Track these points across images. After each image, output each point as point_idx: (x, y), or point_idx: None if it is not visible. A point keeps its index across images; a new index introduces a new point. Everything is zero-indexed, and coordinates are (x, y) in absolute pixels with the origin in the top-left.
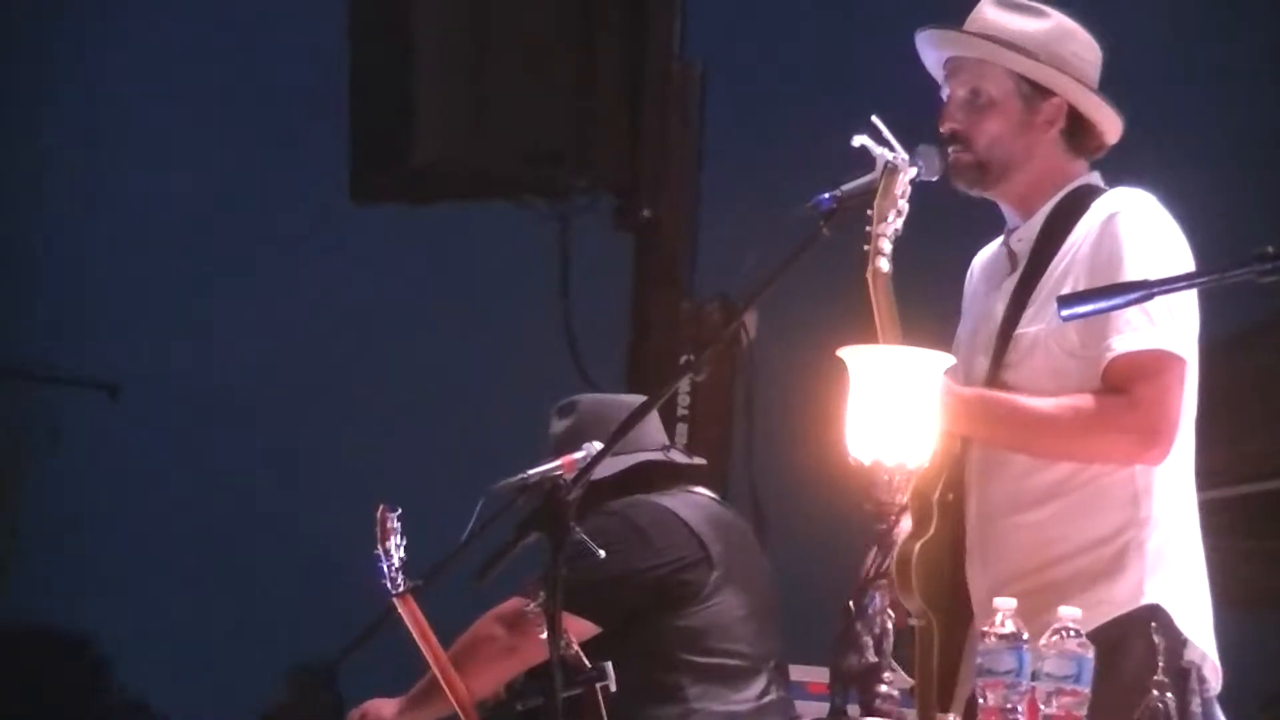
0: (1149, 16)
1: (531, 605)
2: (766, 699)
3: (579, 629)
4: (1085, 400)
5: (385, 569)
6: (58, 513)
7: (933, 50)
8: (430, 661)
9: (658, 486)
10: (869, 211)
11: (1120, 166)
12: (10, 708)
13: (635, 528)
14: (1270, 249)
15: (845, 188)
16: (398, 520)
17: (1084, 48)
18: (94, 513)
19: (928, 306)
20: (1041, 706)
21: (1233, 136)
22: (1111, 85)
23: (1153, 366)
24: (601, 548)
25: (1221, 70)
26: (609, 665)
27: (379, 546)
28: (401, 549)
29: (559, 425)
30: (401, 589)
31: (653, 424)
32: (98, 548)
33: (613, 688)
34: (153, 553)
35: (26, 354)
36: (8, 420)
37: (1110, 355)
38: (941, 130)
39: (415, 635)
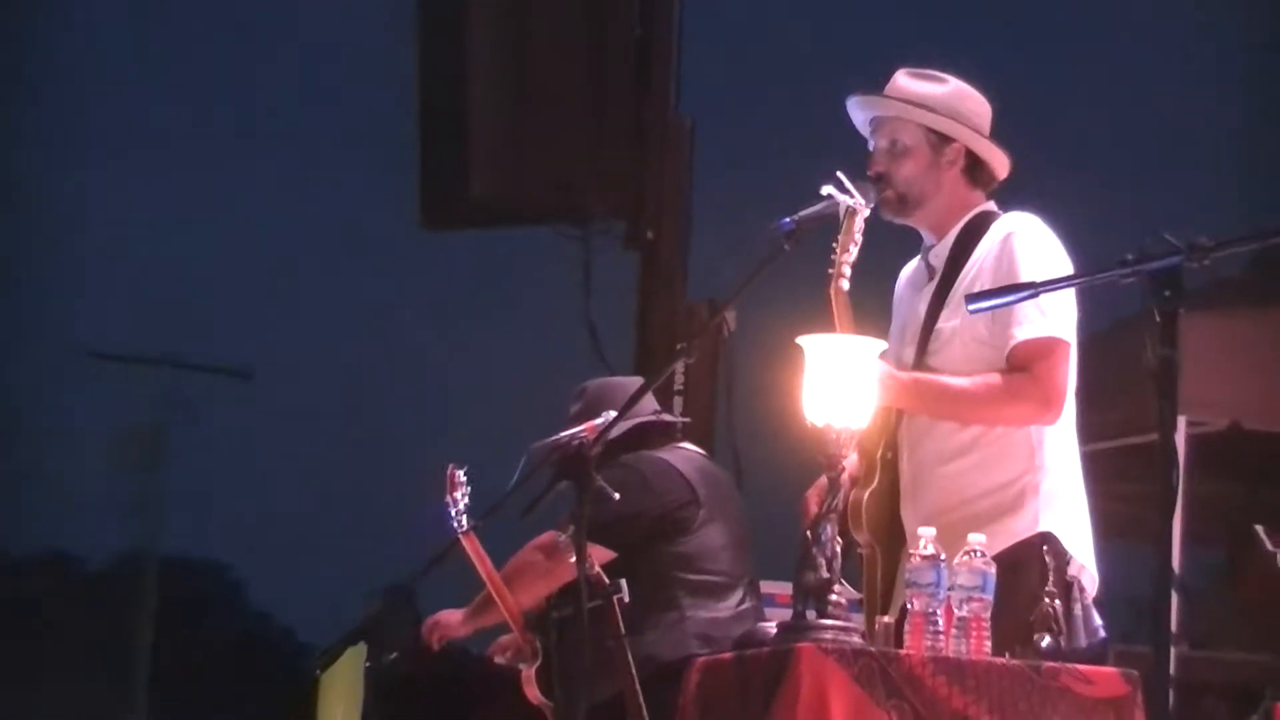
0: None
1: (563, 537)
2: (742, 607)
3: (600, 555)
4: (994, 378)
5: (453, 513)
6: (200, 472)
7: (860, 111)
8: (486, 581)
9: (656, 444)
10: (833, 244)
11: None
12: (172, 623)
13: (641, 476)
14: (1129, 256)
15: (802, 214)
16: (463, 475)
17: (977, 104)
18: (228, 471)
19: (866, 308)
20: (956, 610)
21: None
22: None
23: (1045, 349)
24: (615, 492)
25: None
26: (624, 582)
27: (448, 496)
28: (465, 498)
29: (576, 402)
30: (465, 528)
31: (648, 397)
32: (232, 498)
33: (626, 599)
34: (276, 501)
35: (169, 344)
36: (155, 400)
37: (1013, 342)
38: (869, 173)
39: (474, 562)
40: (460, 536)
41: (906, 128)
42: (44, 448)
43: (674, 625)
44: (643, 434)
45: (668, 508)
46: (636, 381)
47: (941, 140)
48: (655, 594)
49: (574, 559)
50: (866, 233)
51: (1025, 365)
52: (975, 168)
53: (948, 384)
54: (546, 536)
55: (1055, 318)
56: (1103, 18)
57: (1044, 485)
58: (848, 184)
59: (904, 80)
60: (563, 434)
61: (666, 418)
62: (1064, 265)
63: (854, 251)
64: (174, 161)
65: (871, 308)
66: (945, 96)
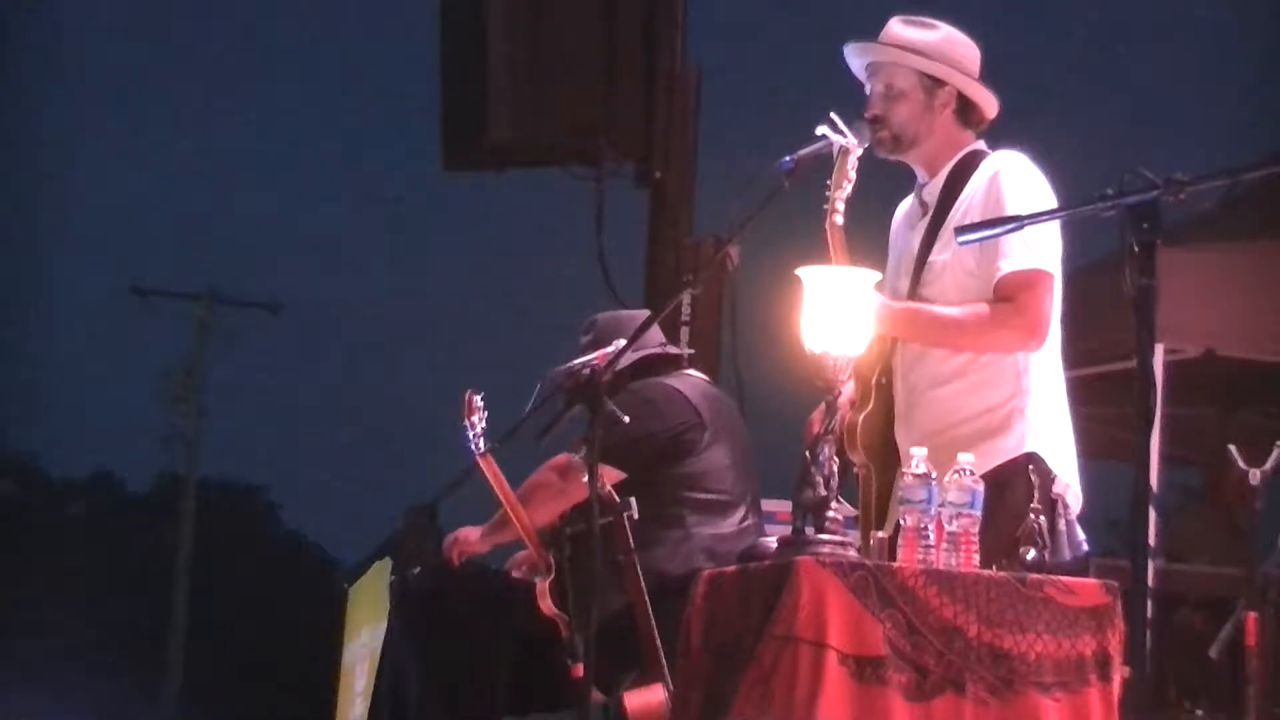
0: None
1: (576, 458)
2: (745, 524)
3: (611, 475)
4: (982, 308)
5: (470, 436)
6: (235, 399)
7: (857, 58)
8: (502, 500)
9: (663, 372)
10: (828, 181)
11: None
12: (209, 542)
13: (649, 401)
14: (1109, 190)
15: (800, 154)
16: (480, 401)
17: (967, 49)
18: (261, 398)
19: (862, 242)
20: (946, 525)
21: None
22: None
23: (1030, 280)
24: (625, 417)
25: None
26: (633, 500)
27: (466, 420)
28: (482, 421)
29: (586, 335)
30: (482, 450)
31: (655, 329)
32: (266, 423)
33: (635, 517)
34: (306, 426)
35: (205, 281)
36: (195, 332)
37: (999, 274)
38: (866, 116)
39: (491, 482)
40: (478, 458)
41: (900, 72)
42: (90, 378)
43: (680, 541)
44: (651, 362)
45: (674, 431)
46: (645, 314)
47: (934, 84)
48: (663, 512)
49: (586, 479)
50: (862, 170)
51: (1011, 296)
52: (966, 109)
53: (939, 313)
54: (560, 458)
55: (1039, 250)
56: None
57: (1030, 408)
58: (841, 125)
59: (898, 27)
60: (575, 362)
61: (672, 350)
62: (1049, 200)
63: (847, 188)
64: (210, 113)
65: (867, 241)
66: (937, 43)
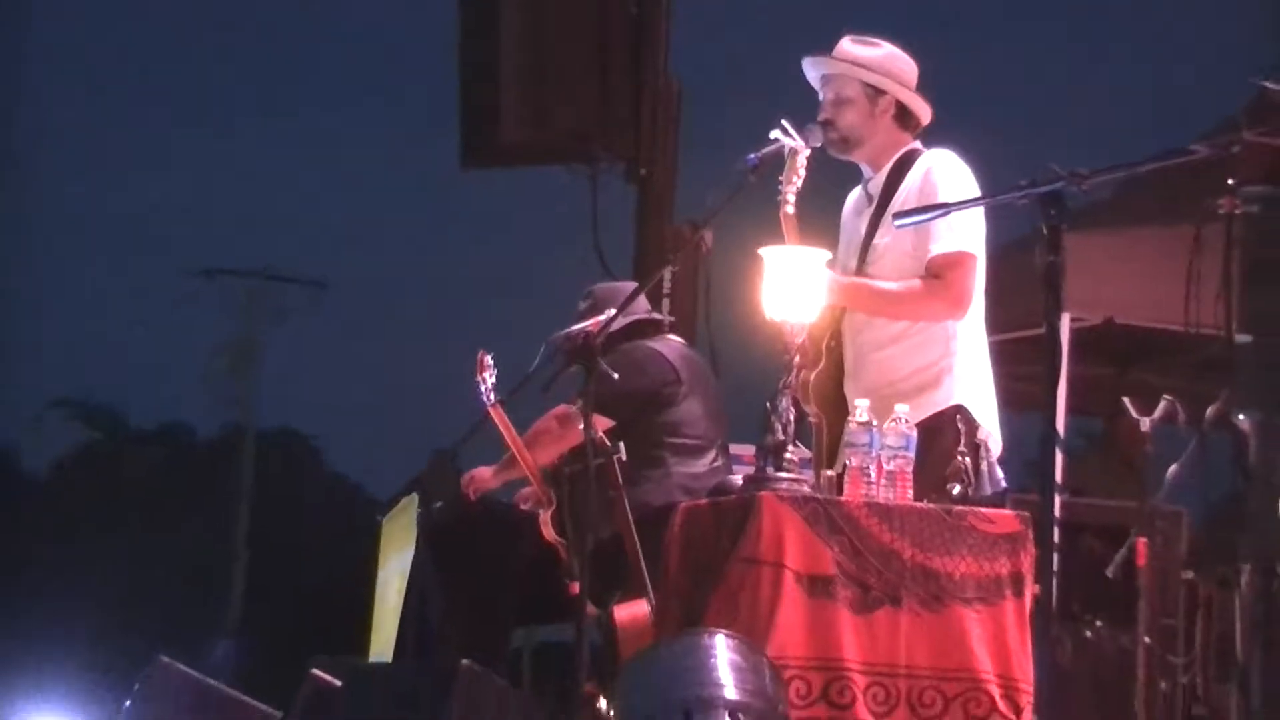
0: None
1: (573, 409)
2: (716, 464)
3: (602, 423)
4: (916, 283)
5: (483, 390)
6: (286, 362)
7: (812, 70)
8: (510, 444)
9: (648, 335)
10: (780, 177)
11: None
12: (265, 484)
13: (635, 361)
14: (1023, 182)
15: (761, 153)
16: (490, 360)
17: (905, 64)
18: (308, 361)
19: (817, 227)
20: (885, 465)
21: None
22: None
23: (956, 260)
24: (615, 374)
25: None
26: (621, 444)
27: (479, 376)
28: (493, 377)
29: (584, 302)
30: (493, 401)
31: (641, 299)
32: (312, 382)
33: (623, 458)
34: (346, 384)
35: (259, 261)
36: (248, 307)
37: (930, 254)
38: (819, 119)
39: (501, 429)
40: (490, 408)
41: (848, 83)
42: (162, 345)
43: (661, 479)
44: (638, 328)
45: (656, 386)
46: (632, 286)
47: (876, 93)
48: (646, 454)
49: (582, 426)
50: (817, 167)
51: (940, 273)
52: (904, 115)
53: (880, 288)
54: (560, 408)
55: (964, 234)
56: None
57: (958, 367)
58: (791, 130)
59: (847, 45)
60: (573, 328)
61: (656, 316)
62: (974, 190)
63: (797, 183)
64: (259, 109)
65: (821, 226)
66: (879, 59)
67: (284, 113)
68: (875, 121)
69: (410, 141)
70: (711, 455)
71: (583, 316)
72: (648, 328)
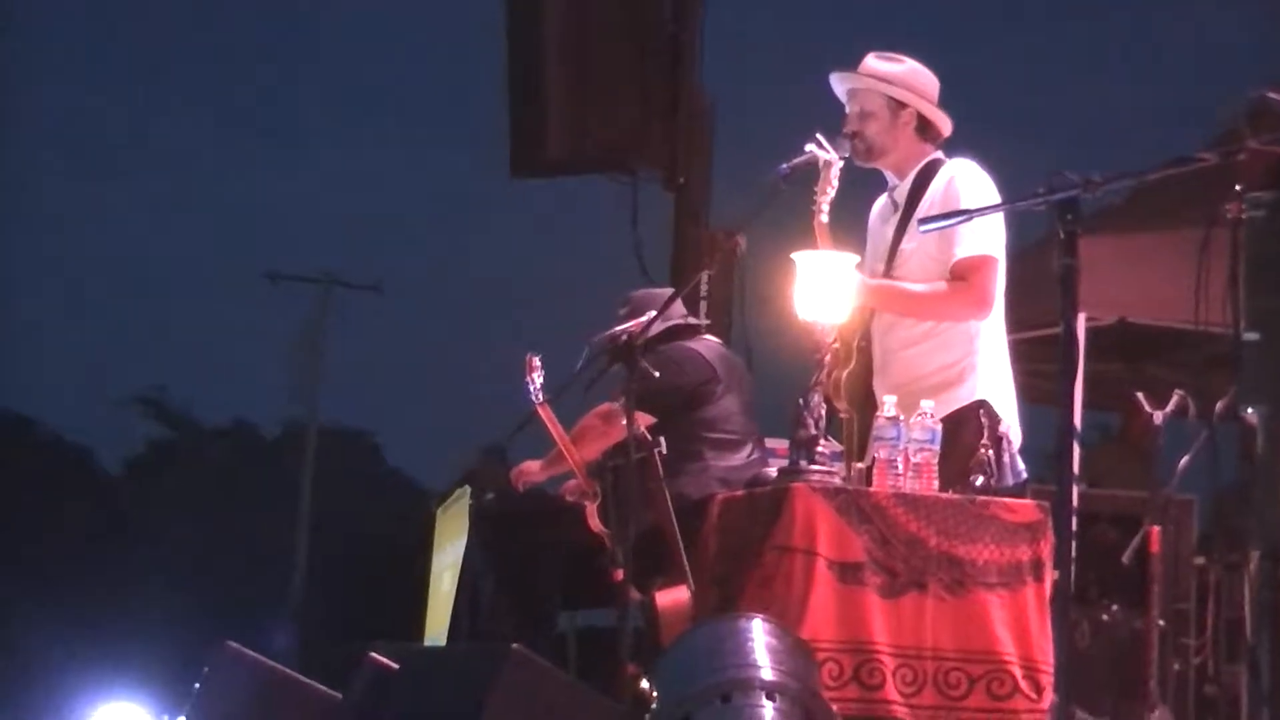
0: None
1: (616, 406)
2: (752, 458)
3: (644, 420)
4: (941, 286)
5: (531, 389)
6: (347, 362)
7: (838, 85)
8: (557, 440)
9: (686, 337)
10: (814, 187)
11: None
12: (327, 478)
13: (675, 361)
14: (1040, 189)
15: (793, 163)
16: (538, 361)
17: (927, 79)
18: (367, 361)
19: (846, 232)
20: (911, 458)
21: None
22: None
23: (979, 264)
24: (656, 372)
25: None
26: (662, 439)
27: (527, 377)
28: (540, 377)
29: (624, 308)
30: (540, 400)
31: (678, 304)
32: (371, 381)
33: (664, 452)
34: (403, 382)
35: (320, 265)
36: (310, 310)
37: (955, 259)
38: (844, 131)
39: (548, 426)
40: (537, 407)
41: (872, 97)
42: (231, 345)
43: (700, 472)
44: (676, 331)
45: (695, 384)
46: (669, 291)
47: (898, 106)
48: (686, 449)
49: (624, 422)
50: (846, 178)
51: (964, 276)
52: (924, 127)
53: (907, 290)
54: (604, 406)
55: (987, 239)
56: None
57: (980, 365)
58: (824, 142)
59: (871, 61)
60: (615, 330)
61: (692, 320)
62: (994, 197)
63: (831, 193)
64: (322, 132)
65: (850, 233)
66: (902, 74)
67: (346, 129)
68: (897, 133)
69: (463, 154)
70: (748, 449)
71: (623, 320)
72: (686, 330)
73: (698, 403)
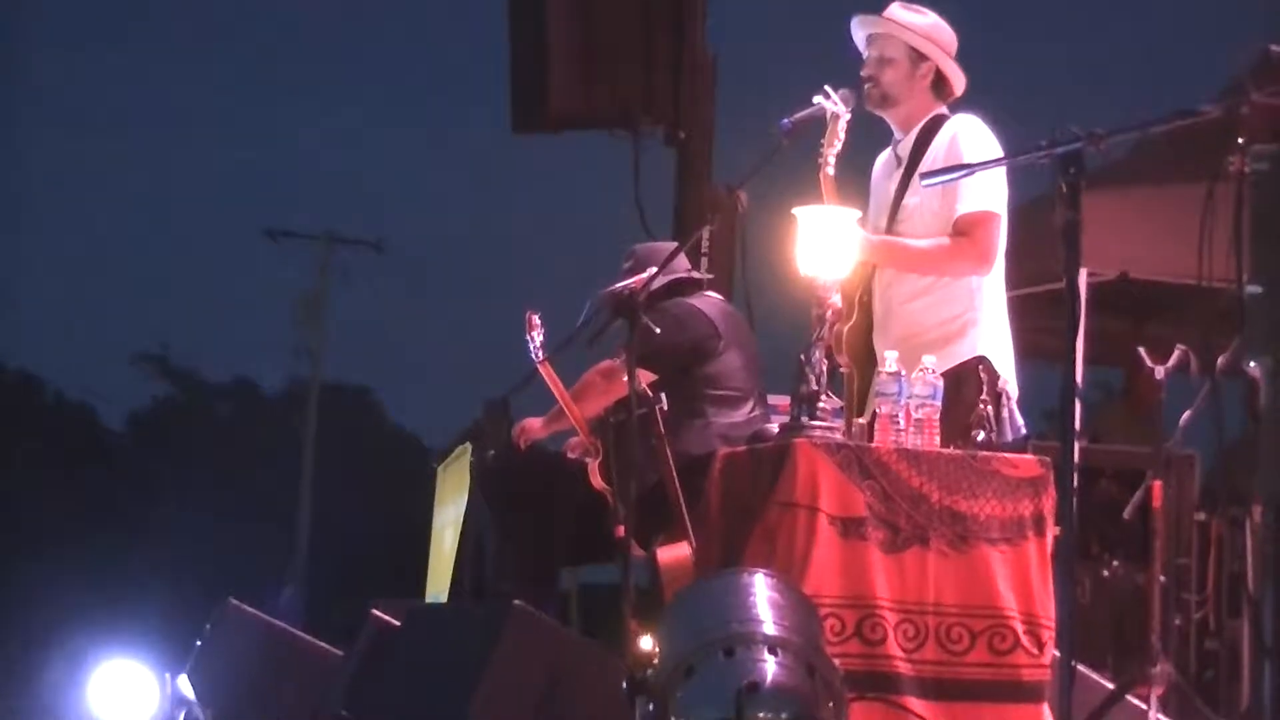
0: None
1: (618, 362)
2: (753, 414)
3: (646, 376)
4: (944, 241)
5: (532, 347)
6: (349, 319)
7: (860, 30)
8: (558, 397)
9: (688, 293)
10: (821, 140)
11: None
12: (329, 434)
13: (677, 317)
14: (1043, 142)
15: (796, 117)
16: (538, 319)
17: (949, 35)
18: (369, 318)
19: (851, 187)
20: (913, 413)
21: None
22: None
23: (981, 219)
24: (658, 329)
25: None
26: (664, 395)
27: (528, 334)
28: (541, 335)
29: (627, 262)
30: (541, 358)
31: (681, 258)
32: (373, 339)
33: (665, 409)
34: (404, 339)
35: (324, 224)
36: (315, 267)
37: (957, 214)
38: (862, 74)
39: (549, 383)
40: (538, 364)
41: (894, 44)
42: (235, 302)
43: (702, 428)
44: (678, 285)
45: (697, 340)
46: (672, 245)
47: (919, 57)
48: (688, 405)
49: (626, 379)
50: (851, 132)
51: (965, 231)
52: (940, 83)
53: (909, 245)
54: (605, 363)
55: (989, 195)
56: None
57: (981, 320)
58: (833, 94)
59: (896, 10)
60: (616, 285)
61: (695, 274)
62: (997, 153)
63: (838, 146)
64: (323, 94)
65: (855, 188)
66: (927, 26)
67: (347, 87)
68: (914, 84)
69: (464, 109)
70: (750, 405)
71: (625, 275)
72: (688, 285)
73: (700, 359)
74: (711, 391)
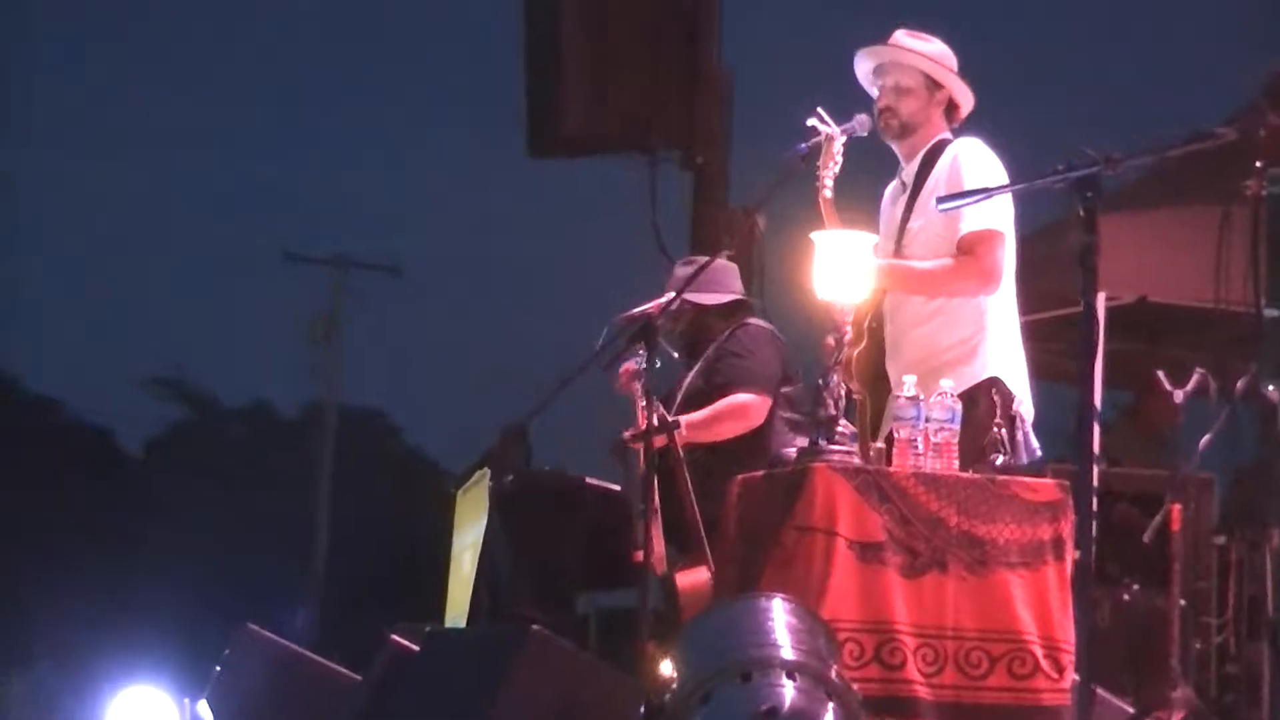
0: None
1: (752, 399)
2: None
3: (764, 401)
4: (948, 261)
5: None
6: (365, 342)
7: (866, 61)
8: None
9: (746, 314)
10: (818, 163)
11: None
12: (346, 458)
13: (770, 339)
14: (1059, 166)
15: (811, 142)
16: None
17: (953, 60)
18: (385, 341)
19: (859, 211)
20: (931, 438)
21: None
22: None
23: (984, 237)
24: (754, 353)
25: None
26: (681, 419)
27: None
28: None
29: (686, 268)
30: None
31: (736, 278)
32: (389, 361)
33: (683, 432)
34: (421, 362)
35: (340, 248)
36: (330, 293)
37: (961, 233)
38: (879, 105)
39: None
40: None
41: (910, 73)
42: (250, 325)
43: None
44: (743, 306)
45: (783, 363)
46: (723, 265)
47: (935, 85)
48: (772, 427)
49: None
50: (857, 155)
51: (970, 250)
52: (950, 109)
53: (915, 267)
54: (740, 399)
55: (992, 214)
56: None
57: (991, 341)
58: (826, 117)
59: (904, 37)
60: (634, 310)
61: (749, 299)
62: (998, 174)
63: (834, 168)
64: (341, 112)
65: (863, 211)
66: (937, 53)
67: (360, 109)
68: (930, 111)
69: (481, 133)
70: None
71: (684, 286)
72: (745, 307)
73: (784, 381)
74: (787, 415)
